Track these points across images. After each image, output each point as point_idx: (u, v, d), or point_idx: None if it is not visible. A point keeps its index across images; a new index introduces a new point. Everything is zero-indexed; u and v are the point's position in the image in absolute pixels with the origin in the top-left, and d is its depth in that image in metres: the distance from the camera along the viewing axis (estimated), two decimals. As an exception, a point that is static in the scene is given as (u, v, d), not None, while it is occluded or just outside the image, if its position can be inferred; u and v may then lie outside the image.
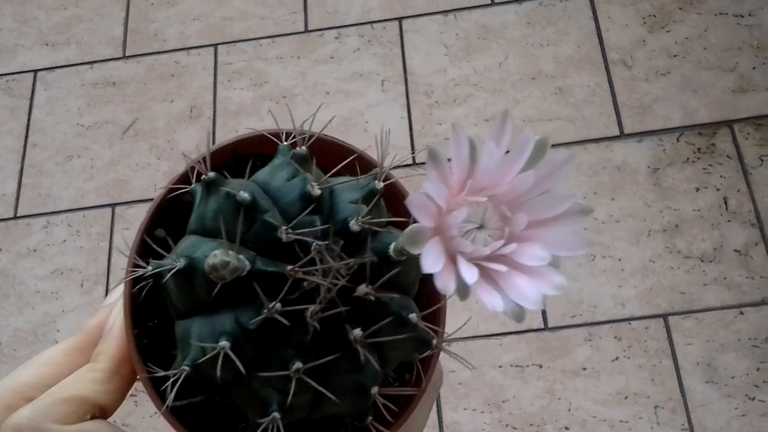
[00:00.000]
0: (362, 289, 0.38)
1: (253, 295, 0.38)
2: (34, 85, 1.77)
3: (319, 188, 0.40)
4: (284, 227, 0.38)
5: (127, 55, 1.78)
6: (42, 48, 1.81)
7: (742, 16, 1.66)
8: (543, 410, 1.36)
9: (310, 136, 0.43)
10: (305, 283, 0.38)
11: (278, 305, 0.37)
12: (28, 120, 1.73)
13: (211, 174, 0.40)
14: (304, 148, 0.42)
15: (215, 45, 1.77)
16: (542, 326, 1.42)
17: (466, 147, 0.35)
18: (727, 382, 1.35)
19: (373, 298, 0.38)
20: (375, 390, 0.39)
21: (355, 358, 0.38)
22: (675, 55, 1.63)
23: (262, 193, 0.41)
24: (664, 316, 1.41)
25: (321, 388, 0.38)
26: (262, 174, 0.42)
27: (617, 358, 1.39)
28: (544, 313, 1.43)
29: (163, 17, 1.82)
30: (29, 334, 1.51)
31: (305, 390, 0.38)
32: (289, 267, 0.38)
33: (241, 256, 0.38)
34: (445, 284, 0.33)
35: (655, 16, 1.68)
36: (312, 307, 0.37)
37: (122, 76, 1.76)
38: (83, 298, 1.53)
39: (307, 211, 0.39)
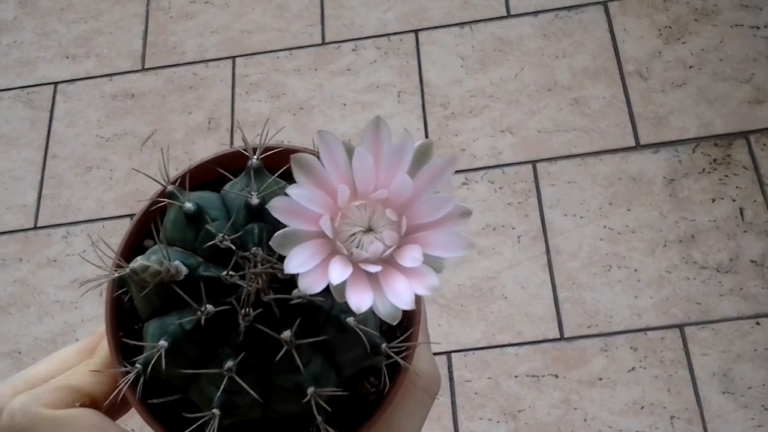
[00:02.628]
0: (296, 293, 0.39)
1: (198, 299, 0.40)
2: (54, 97, 1.79)
3: (258, 197, 0.42)
4: (221, 234, 0.40)
5: (146, 67, 1.80)
6: (62, 60, 1.84)
7: (758, 28, 1.66)
8: (559, 420, 1.36)
9: (268, 149, 0.45)
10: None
11: (210, 307, 0.39)
12: (48, 132, 1.75)
13: (169, 188, 0.43)
14: (254, 160, 0.44)
15: (233, 57, 1.78)
16: (558, 336, 1.42)
17: (339, 151, 0.37)
18: (743, 393, 1.35)
19: (304, 301, 0.39)
20: (311, 390, 0.40)
21: (292, 359, 0.39)
22: (691, 67, 1.64)
23: (219, 203, 0.43)
24: (680, 327, 1.41)
25: (246, 386, 0.39)
26: (226, 186, 0.45)
27: (633, 369, 1.39)
28: (560, 323, 1.43)
29: (181, 30, 1.84)
30: (49, 343, 1.53)
31: (245, 389, 0.40)
32: (224, 272, 0.40)
33: (169, 262, 0.40)
34: (308, 285, 0.35)
35: (670, 27, 1.69)
36: (243, 310, 0.39)
37: (141, 89, 1.77)
38: (102, 308, 1.54)
39: (248, 220, 0.42)
